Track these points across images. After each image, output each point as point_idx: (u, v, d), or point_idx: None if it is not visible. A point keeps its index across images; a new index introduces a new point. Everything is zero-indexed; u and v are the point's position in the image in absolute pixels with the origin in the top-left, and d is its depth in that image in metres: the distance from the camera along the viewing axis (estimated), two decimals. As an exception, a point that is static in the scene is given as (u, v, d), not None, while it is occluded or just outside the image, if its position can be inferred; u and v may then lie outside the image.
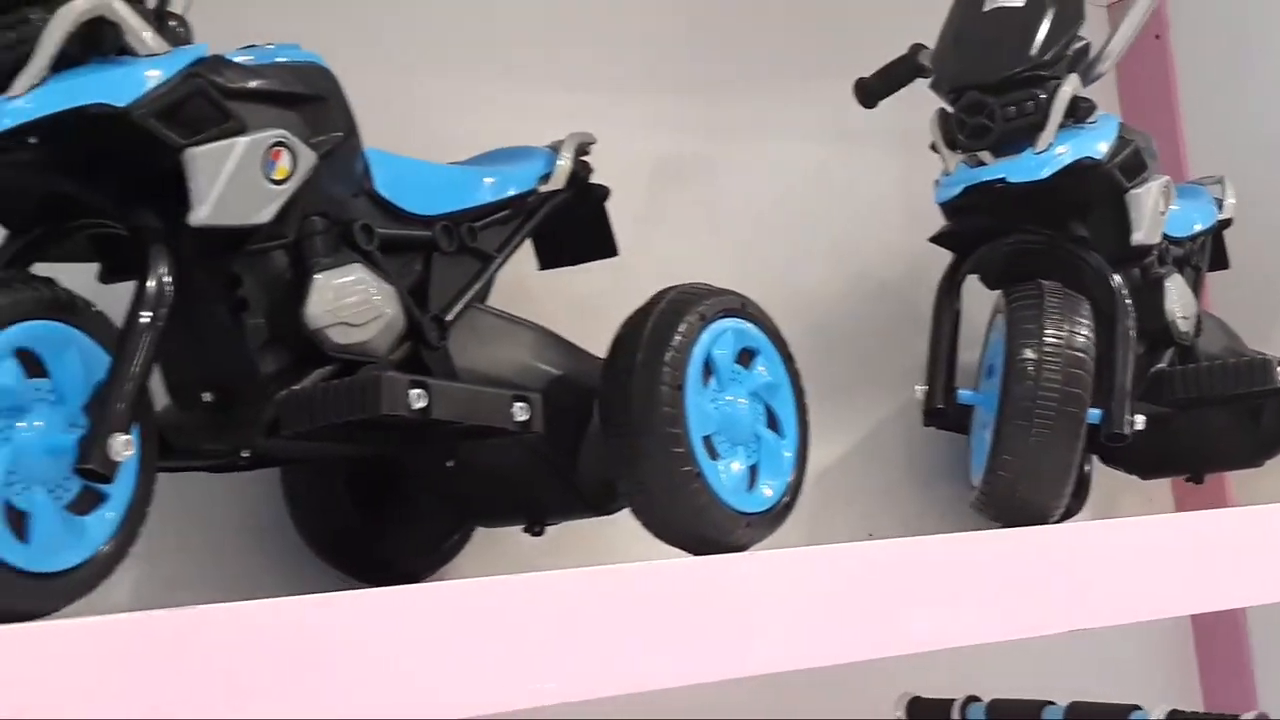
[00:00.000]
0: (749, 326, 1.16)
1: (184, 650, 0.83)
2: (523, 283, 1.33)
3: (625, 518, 1.25)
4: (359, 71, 1.07)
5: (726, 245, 1.56)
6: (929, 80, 1.42)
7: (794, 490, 1.17)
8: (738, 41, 1.59)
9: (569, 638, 0.98)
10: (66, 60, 0.91)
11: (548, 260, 1.29)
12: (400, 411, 0.98)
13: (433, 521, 1.26)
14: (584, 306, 1.36)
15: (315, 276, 1.01)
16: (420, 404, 0.99)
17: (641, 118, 1.50)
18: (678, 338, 1.10)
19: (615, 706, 1.07)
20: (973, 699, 1.47)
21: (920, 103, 1.45)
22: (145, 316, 0.91)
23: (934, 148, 1.40)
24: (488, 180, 1.17)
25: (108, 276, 1.02)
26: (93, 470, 0.88)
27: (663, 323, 1.11)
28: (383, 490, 1.23)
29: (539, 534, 1.24)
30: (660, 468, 1.08)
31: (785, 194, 1.61)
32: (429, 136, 1.25)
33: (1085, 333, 1.27)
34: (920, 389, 1.38)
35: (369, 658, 0.91)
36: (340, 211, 1.04)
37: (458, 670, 0.94)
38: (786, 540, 1.17)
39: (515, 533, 1.30)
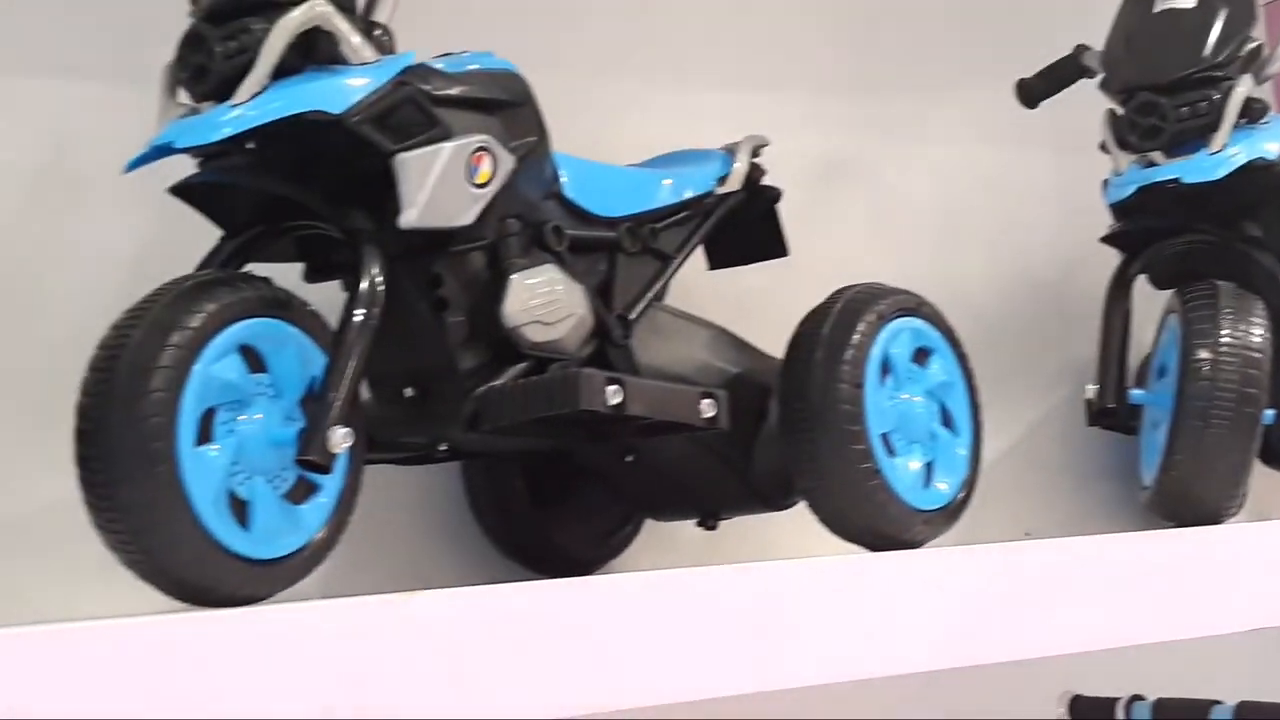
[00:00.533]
0: (925, 325, 1.17)
1: (366, 637, 0.86)
2: (685, 282, 1.36)
3: (791, 513, 1.27)
4: (531, 77, 1.10)
5: (885, 244, 1.57)
6: (1098, 81, 1.42)
7: (968, 487, 1.18)
8: (899, 42, 1.61)
9: (737, 631, 1.01)
10: (283, 68, 0.95)
11: (718, 260, 1.31)
12: (597, 407, 1.01)
13: (606, 515, 1.30)
14: (744, 305, 1.38)
15: (512, 277, 1.04)
16: (616, 399, 1.02)
17: (802, 118, 1.52)
18: (856, 336, 1.12)
19: (780, 701, 1.09)
20: (1137, 698, 1.47)
21: (1076, 102, 1.46)
22: (359, 315, 0.95)
23: (1104, 148, 1.40)
24: (667, 182, 1.20)
25: (312, 276, 1.06)
26: (313, 461, 0.92)
27: (841, 322, 1.13)
28: (558, 484, 1.26)
29: (713, 528, 1.27)
30: (839, 464, 1.10)
31: (943, 193, 1.62)
32: (598, 140, 1.28)
33: (1260, 333, 1.27)
34: (1092, 388, 1.39)
35: (543, 647, 0.94)
36: (533, 214, 1.07)
37: (627, 661, 0.97)
38: (944, 539, 1.19)
39: (683, 525, 1.33)
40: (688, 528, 1.32)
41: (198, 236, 1.03)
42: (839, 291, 1.16)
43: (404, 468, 1.16)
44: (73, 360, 1.11)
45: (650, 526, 1.33)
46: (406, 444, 1.07)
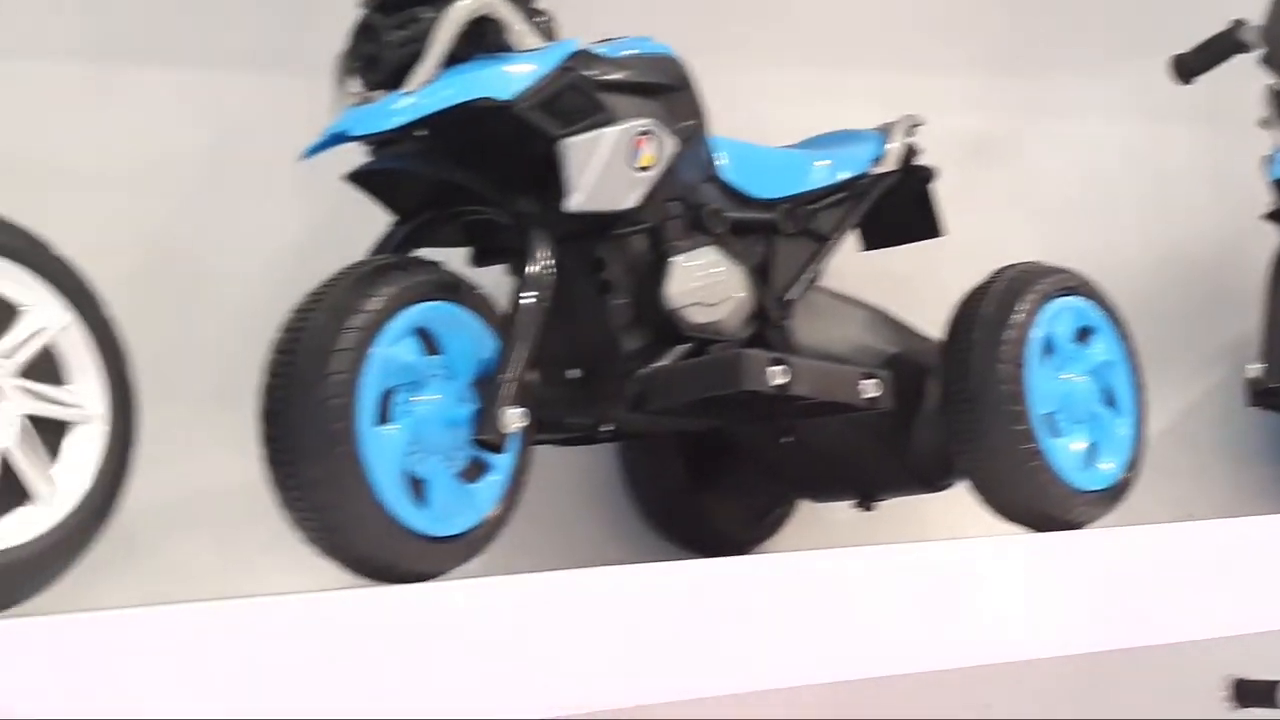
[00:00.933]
0: (1086, 304, 1.17)
1: (525, 613, 0.88)
2: (836, 263, 1.36)
3: (945, 493, 1.27)
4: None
5: (1036, 223, 1.56)
6: (1258, 56, 1.40)
7: (1132, 468, 1.17)
8: (1050, 19, 1.59)
9: (895, 613, 1.01)
10: (452, 56, 0.97)
11: (873, 241, 1.31)
12: (760, 387, 1.02)
13: (761, 495, 1.30)
14: (896, 286, 1.37)
15: (673, 259, 1.05)
16: (779, 380, 1.03)
17: (951, 97, 1.51)
18: (1017, 316, 1.12)
19: (942, 684, 1.09)
20: (1301, 681, 1.45)
21: (1228, 78, 1.43)
22: (530, 297, 0.97)
23: (1265, 124, 1.38)
24: (823, 163, 1.20)
25: (479, 261, 1.08)
26: (487, 441, 0.94)
27: (1002, 301, 1.12)
28: (715, 464, 1.27)
29: (869, 509, 1.27)
30: (1001, 445, 1.10)
31: (1094, 171, 1.60)
32: (750, 122, 1.28)
33: None
34: (1254, 368, 1.37)
35: (701, 626, 0.95)
36: (693, 196, 1.08)
37: (786, 640, 0.98)
38: (1103, 520, 1.17)
39: (837, 506, 1.33)
40: (841, 508, 1.32)
41: (363, 222, 1.06)
42: (999, 271, 1.16)
43: (561, 448, 1.18)
44: (245, 344, 1.15)
45: (804, 507, 1.34)
46: (570, 424, 1.08)
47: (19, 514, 0.82)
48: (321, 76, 1.07)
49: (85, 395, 0.85)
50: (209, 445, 1.14)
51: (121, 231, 1.11)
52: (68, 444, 0.85)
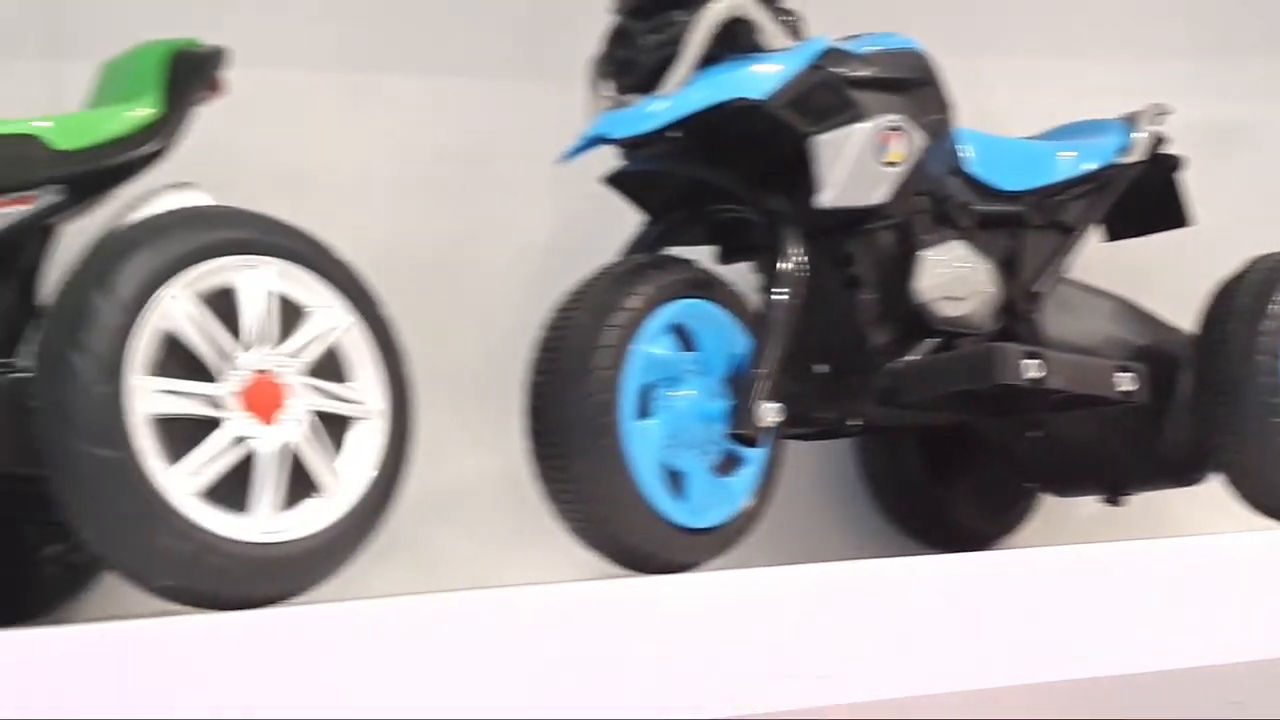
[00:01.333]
0: (1347, 294, 1.13)
1: (758, 607, 0.89)
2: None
3: (1189, 489, 1.24)
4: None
5: (1270, 211, 1.51)
6: None
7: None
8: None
9: (1144, 609, 1.00)
10: (705, 58, 0.99)
11: (1117, 232, 1.29)
12: (1015, 381, 1.02)
13: (1003, 490, 1.29)
14: (1141, 277, 1.35)
15: (922, 253, 1.05)
16: (1033, 374, 1.03)
17: (1191, 83, 1.48)
18: (1276, 305, 1.09)
19: (1186, 678, 1.07)
20: None
21: None
22: (782, 294, 0.98)
23: None
24: (1068, 154, 1.19)
25: (726, 258, 1.10)
26: (743, 435, 0.96)
27: (1260, 291, 1.10)
28: (957, 459, 1.27)
29: (1117, 503, 1.25)
30: (1259, 438, 1.08)
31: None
32: (989, 114, 1.27)
33: None
34: None
35: (941, 621, 0.95)
36: (939, 190, 1.08)
37: (1026, 635, 0.97)
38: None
39: (1079, 501, 1.31)
40: (1084, 503, 1.31)
41: (609, 222, 1.09)
42: (1255, 260, 1.13)
43: (799, 443, 1.19)
44: (498, 343, 1.19)
45: (1047, 501, 1.33)
46: (817, 419, 1.09)
47: (307, 506, 0.87)
48: (566, 81, 1.10)
49: (367, 392, 0.90)
50: (463, 440, 1.18)
51: (382, 234, 1.16)
52: (351, 439, 0.89)
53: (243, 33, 1.02)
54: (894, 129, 1.03)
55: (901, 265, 1.05)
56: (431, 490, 1.20)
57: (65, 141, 0.90)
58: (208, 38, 0.99)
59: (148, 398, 0.81)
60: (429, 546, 1.18)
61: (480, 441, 1.19)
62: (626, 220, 1.08)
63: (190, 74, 0.96)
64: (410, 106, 1.20)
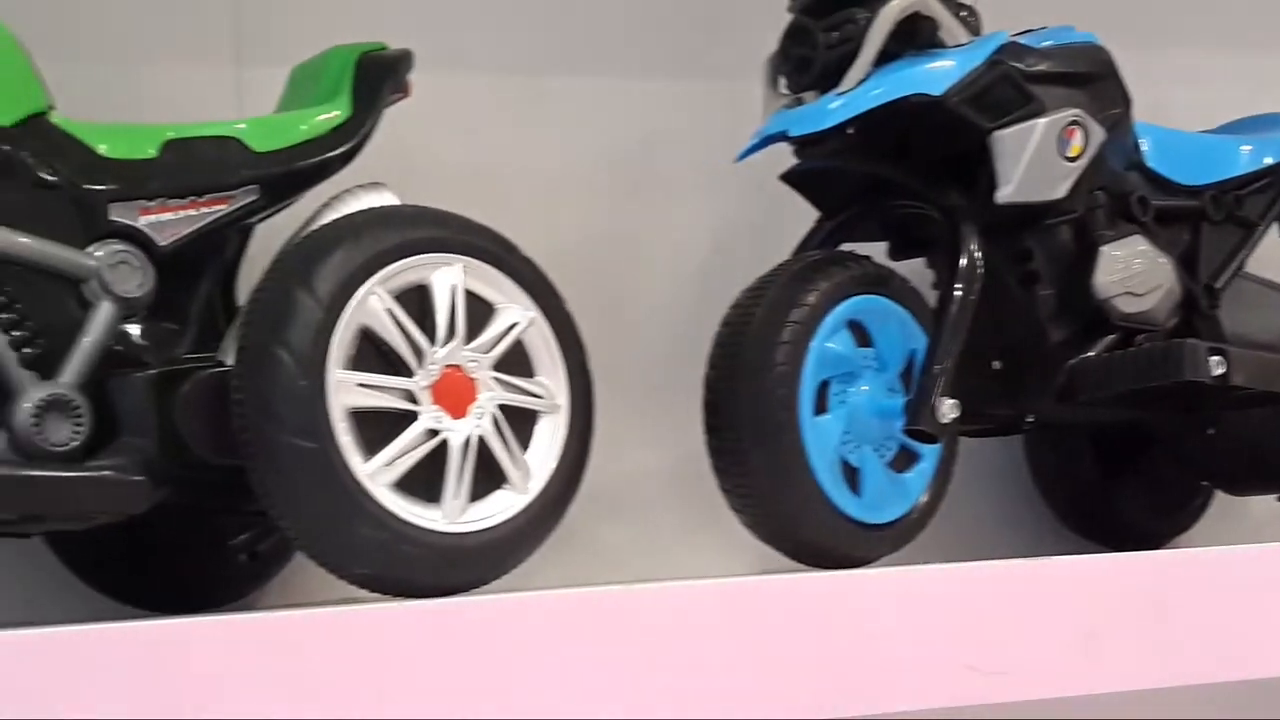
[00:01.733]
0: None
1: (936, 603, 0.89)
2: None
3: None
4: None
5: None
6: None
7: None
8: None
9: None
10: (882, 55, 0.99)
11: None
12: (1201, 377, 1.01)
13: (1176, 487, 1.28)
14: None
15: (1101, 248, 1.05)
16: (1219, 370, 1.01)
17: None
18: None
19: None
20: None
21: None
22: (960, 290, 0.98)
23: None
24: (1246, 149, 1.17)
25: (896, 254, 1.10)
26: (921, 431, 0.96)
27: None
28: (1129, 456, 1.25)
29: (1296, 503, 1.23)
30: None
31: None
32: (1160, 107, 1.26)
33: None
34: None
35: (1110, 618, 0.94)
36: (1118, 185, 1.08)
37: (1198, 635, 0.96)
38: None
39: (1256, 500, 1.29)
40: (1260, 502, 1.28)
41: (780, 218, 1.10)
42: None
43: (968, 439, 1.19)
44: (665, 343, 1.21)
45: (1221, 499, 1.31)
46: (993, 415, 1.09)
47: (496, 497, 0.89)
48: (734, 80, 1.11)
49: (551, 386, 0.91)
50: (633, 435, 1.20)
51: (559, 231, 1.18)
52: (537, 432, 0.91)
53: (417, 36, 1.04)
54: (1074, 123, 1.02)
55: (1080, 261, 1.05)
56: (602, 483, 1.22)
57: (261, 143, 0.93)
58: (379, 40, 1.02)
59: (346, 391, 0.84)
60: (599, 539, 1.19)
61: (650, 436, 1.21)
62: (794, 217, 1.08)
63: (379, 77, 0.98)
64: (582, 107, 1.22)
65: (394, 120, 1.02)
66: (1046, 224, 1.04)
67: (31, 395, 0.85)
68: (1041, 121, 1.00)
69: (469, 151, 1.17)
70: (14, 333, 0.86)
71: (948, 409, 0.96)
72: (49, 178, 0.87)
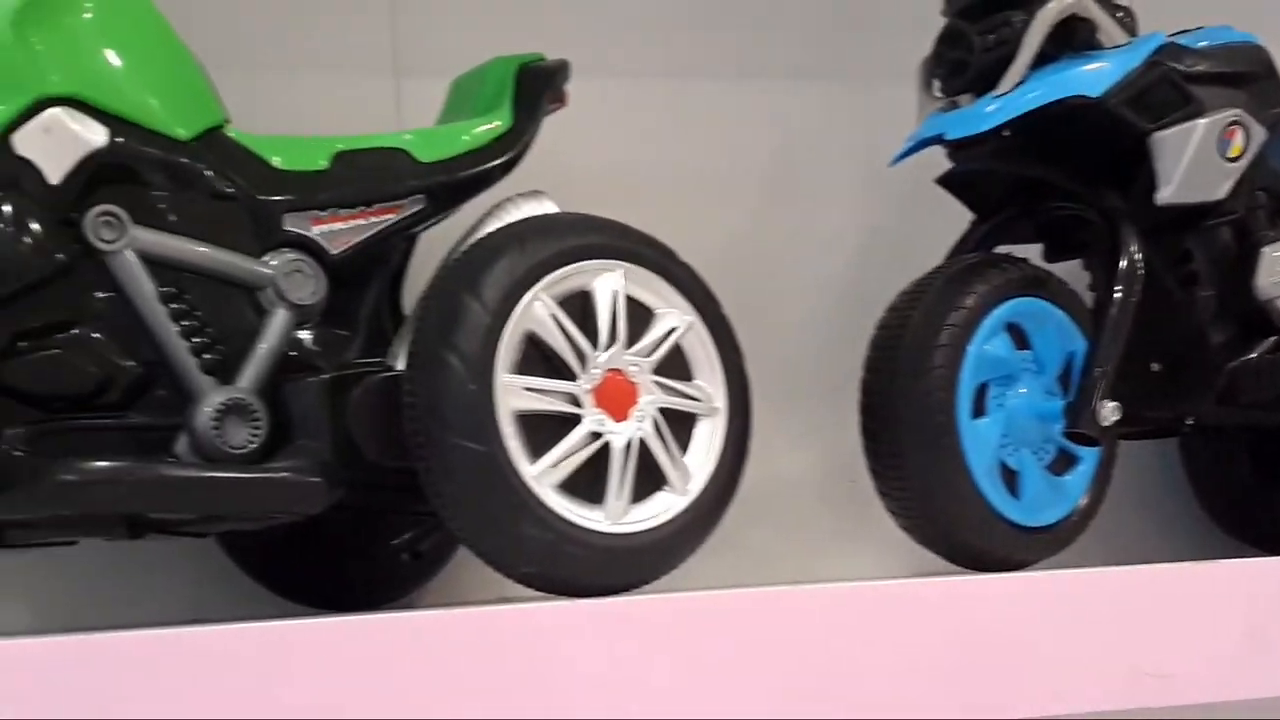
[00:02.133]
0: None
1: (1097, 606, 0.89)
2: None
3: None
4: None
5: None
6: None
7: None
8: None
9: None
10: (1039, 57, 0.99)
11: None
12: None
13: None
14: None
15: (1263, 249, 1.03)
16: None
17: None
18: None
19: None
20: None
21: None
22: (1121, 292, 0.98)
23: None
24: None
25: (1052, 256, 1.09)
26: (1082, 434, 0.96)
27: None
28: (1285, 460, 1.24)
29: None
30: None
31: None
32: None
33: None
34: None
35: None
36: (1279, 185, 1.06)
37: None
38: None
39: None
40: None
41: (926, 222, 1.10)
42: None
43: (1123, 442, 1.17)
44: (815, 346, 1.21)
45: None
46: (1151, 418, 1.08)
47: (656, 499, 0.90)
48: (873, 84, 1.11)
49: (710, 389, 0.93)
50: (787, 437, 1.20)
51: (710, 235, 1.19)
52: (696, 434, 0.92)
53: (569, 45, 1.05)
54: (1234, 124, 1.01)
55: (1241, 262, 1.04)
56: (757, 486, 1.23)
57: (427, 154, 0.96)
58: (531, 49, 1.03)
59: (513, 395, 0.86)
60: (751, 542, 1.20)
61: (803, 439, 1.21)
62: (945, 219, 1.08)
63: (538, 87, 1.00)
64: (732, 111, 1.23)
65: (546, 127, 1.04)
66: (1207, 225, 1.03)
67: (211, 399, 0.88)
68: (1202, 122, 0.99)
69: (617, 157, 1.19)
70: (194, 339, 0.89)
71: (1109, 412, 0.96)
72: (226, 190, 0.91)
